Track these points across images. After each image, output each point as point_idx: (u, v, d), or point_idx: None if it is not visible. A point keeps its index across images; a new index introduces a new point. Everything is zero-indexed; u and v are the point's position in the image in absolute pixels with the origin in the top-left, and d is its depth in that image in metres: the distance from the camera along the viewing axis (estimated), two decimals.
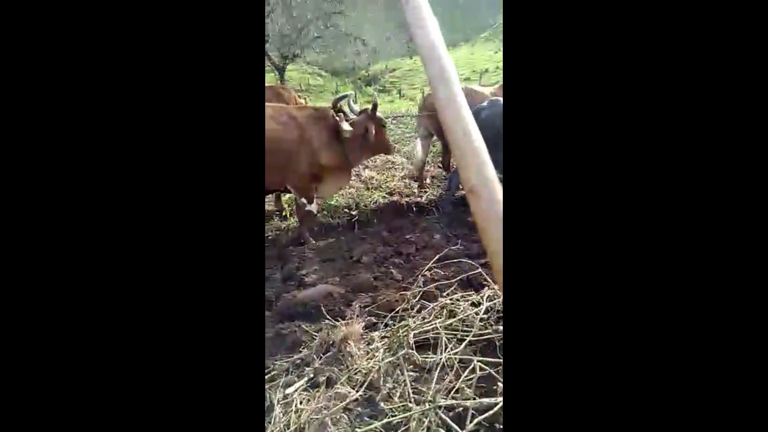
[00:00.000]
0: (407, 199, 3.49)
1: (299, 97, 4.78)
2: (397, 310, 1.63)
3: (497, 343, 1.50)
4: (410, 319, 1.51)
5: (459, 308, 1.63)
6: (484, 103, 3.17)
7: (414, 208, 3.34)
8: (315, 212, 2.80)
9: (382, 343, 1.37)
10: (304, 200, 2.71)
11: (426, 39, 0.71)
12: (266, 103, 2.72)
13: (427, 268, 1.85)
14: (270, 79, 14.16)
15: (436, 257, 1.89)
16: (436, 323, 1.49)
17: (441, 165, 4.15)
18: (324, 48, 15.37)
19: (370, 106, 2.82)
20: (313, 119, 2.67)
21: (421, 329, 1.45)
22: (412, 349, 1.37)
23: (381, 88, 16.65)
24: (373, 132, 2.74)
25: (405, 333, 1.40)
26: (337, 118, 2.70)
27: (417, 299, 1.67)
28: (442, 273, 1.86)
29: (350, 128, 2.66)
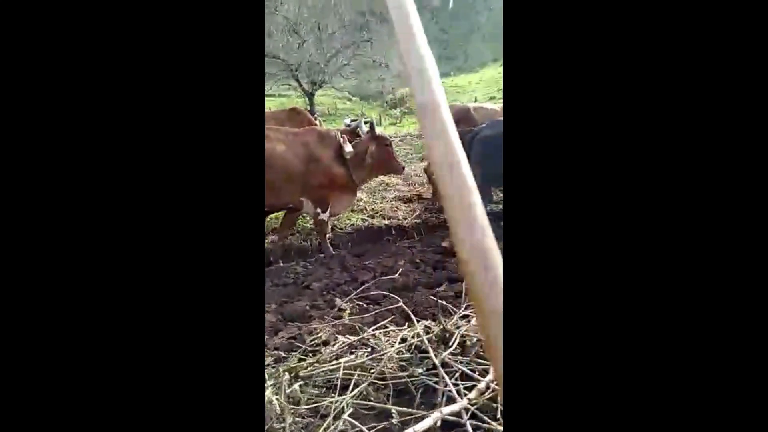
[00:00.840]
0: (387, 221, 3.40)
1: (315, 119, 4.97)
2: (309, 343, 1.53)
3: (413, 389, 1.35)
4: (312, 356, 1.41)
5: (379, 345, 1.50)
6: (486, 123, 3.16)
7: (393, 232, 3.24)
8: (326, 221, 2.88)
9: (270, 382, 1.28)
10: (319, 210, 2.81)
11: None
12: (274, 127, 2.91)
13: (348, 299, 1.74)
14: (300, 104, 14.93)
15: (361, 288, 1.78)
16: (341, 362, 1.38)
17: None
18: (352, 75, 16.00)
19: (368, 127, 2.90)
20: (317, 139, 2.79)
21: (319, 367, 1.34)
22: (303, 390, 1.26)
23: (407, 109, 16.88)
24: (374, 151, 2.80)
25: (291, 371, 1.30)
26: (341, 139, 2.79)
27: (334, 332, 1.56)
28: (365, 305, 1.74)
29: (351, 149, 2.74)
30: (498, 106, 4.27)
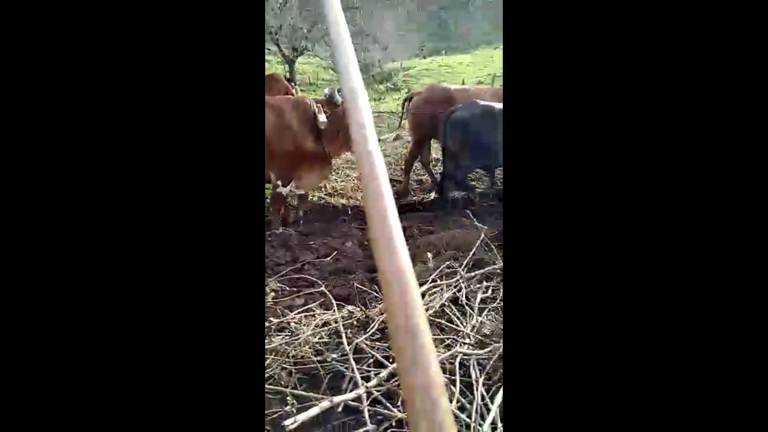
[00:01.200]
0: (345, 201, 3.34)
1: (292, 87, 4.73)
2: None
3: (322, 375, 1.35)
4: None
5: (298, 329, 1.48)
6: (459, 105, 3.08)
7: (349, 212, 3.19)
8: (285, 196, 2.78)
9: None
10: (279, 183, 2.69)
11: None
12: None
13: (275, 278, 1.71)
14: (280, 71, 14.20)
15: (290, 268, 1.75)
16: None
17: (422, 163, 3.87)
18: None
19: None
20: (290, 107, 2.64)
21: None
22: None
23: (392, 86, 16.40)
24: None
25: None
26: (316, 109, 2.66)
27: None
28: (287, 288, 1.71)
29: (325, 119, 2.62)
30: (482, 87, 4.15)
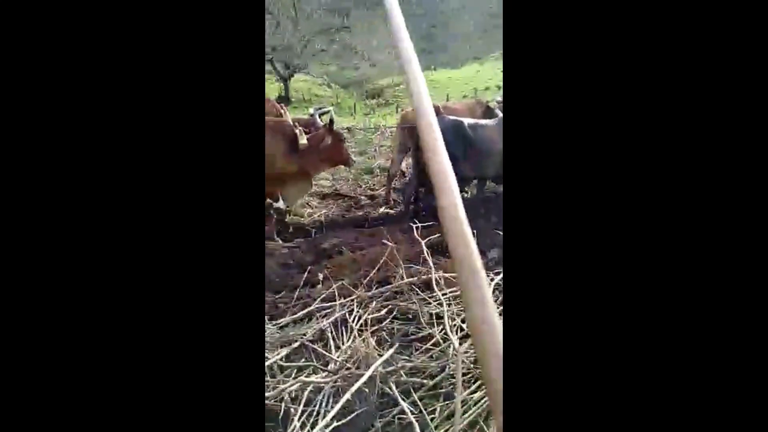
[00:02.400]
0: (289, 219, 3.31)
1: (281, 108, 4.83)
2: None
3: None
4: None
5: None
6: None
7: (290, 230, 3.16)
8: (283, 209, 2.93)
9: None
10: (270, 201, 2.82)
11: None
12: None
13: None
14: (276, 89, 14.46)
15: None
16: None
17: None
18: (330, 61, 15.57)
19: (327, 120, 2.91)
20: (269, 135, 2.73)
21: None
22: None
23: (384, 101, 16.60)
24: (328, 145, 2.84)
25: None
26: (297, 131, 2.78)
27: None
28: None
29: (305, 141, 2.76)
30: (462, 102, 4.29)
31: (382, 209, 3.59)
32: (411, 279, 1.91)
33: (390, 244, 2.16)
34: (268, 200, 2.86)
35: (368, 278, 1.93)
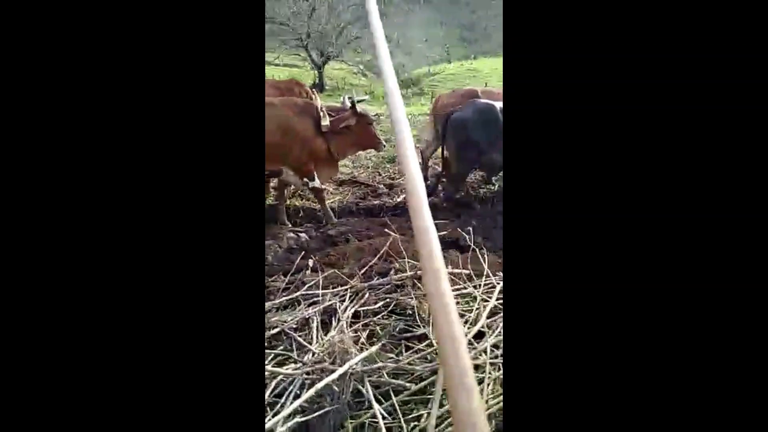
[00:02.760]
0: (301, 203, 3.27)
1: (312, 92, 4.86)
2: None
3: None
4: None
5: None
6: (459, 106, 3.03)
7: (300, 213, 3.11)
8: (320, 188, 2.95)
9: None
10: (306, 180, 2.86)
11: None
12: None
13: None
14: (310, 77, 14.56)
15: None
16: None
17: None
18: (365, 49, 15.43)
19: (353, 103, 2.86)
20: (295, 111, 2.79)
21: None
22: None
23: (418, 90, 16.23)
24: (353, 126, 2.82)
25: None
26: (321, 113, 2.79)
27: None
28: None
29: (327, 123, 2.76)
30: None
31: (402, 197, 3.44)
32: (411, 273, 1.77)
33: (393, 234, 2.03)
34: (305, 179, 2.86)
35: (365, 269, 1.82)
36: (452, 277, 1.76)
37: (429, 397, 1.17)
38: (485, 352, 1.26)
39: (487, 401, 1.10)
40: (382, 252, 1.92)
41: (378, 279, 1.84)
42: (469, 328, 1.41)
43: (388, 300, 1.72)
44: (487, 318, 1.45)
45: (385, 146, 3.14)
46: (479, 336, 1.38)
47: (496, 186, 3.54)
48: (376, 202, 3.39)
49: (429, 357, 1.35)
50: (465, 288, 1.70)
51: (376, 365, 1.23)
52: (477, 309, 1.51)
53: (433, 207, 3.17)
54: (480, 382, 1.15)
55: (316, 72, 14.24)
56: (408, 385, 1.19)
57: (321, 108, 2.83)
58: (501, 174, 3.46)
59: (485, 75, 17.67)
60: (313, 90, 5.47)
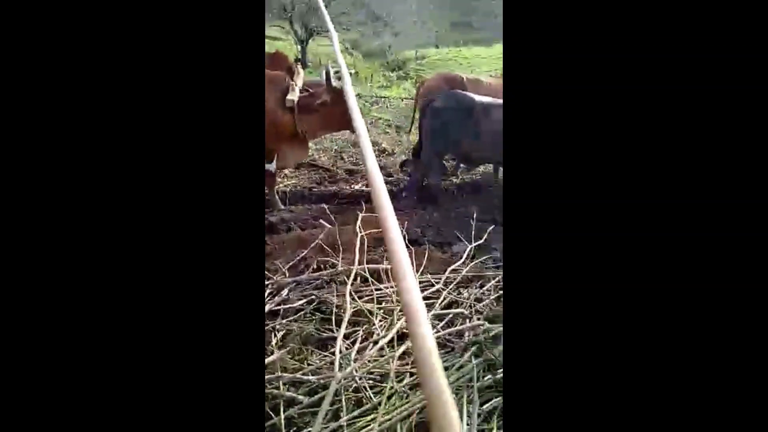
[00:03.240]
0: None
1: (296, 66, 4.56)
2: None
3: None
4: None
5: None
6: (438, 94, 2.91)
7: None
8: (272, 171, 2.66)
9: None
10: (266, 164, 2.58)
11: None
12: None
13: None
14: (292, 52, 13.92)
15: None
16: None
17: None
18: (350, 26, 14.84)
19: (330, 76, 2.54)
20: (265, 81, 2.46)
21: None
22: None
23: (403, 74, 15.85)
24: (327, 102, 2.49)
25: None
26: (292, 87, 2.51)
27: None
28: None
29: (293, 97, 2.46)
30: (493, 80, 3.82)
31: (360, 185, 3.30)
32: (342, 269, 1.65)
33: (326, 225, 1.90)
34: (273, 163, 2.64)
35: (290, 263, 1.69)
36: (373, 278, 1.64)
37: (331, 409, 1.07)
38: (393, 359, 1.17)
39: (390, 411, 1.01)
40: (314, 244, 1.80)
41: (307, 274, 1.72)
42: (379, 335, 1.31)
43: (313, 297, 1.60)
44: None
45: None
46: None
47: (459, 178, 3.46)
48: (332, 188, 3.24)
49: (339, 363, 1.25)
50: (384, 289, 1.59)
51: (273, 375, 1.12)
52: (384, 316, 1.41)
53: (394, 196, 3.05)
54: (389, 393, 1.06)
55: (298, 47, 13.62)
56: (301, 398, 1.08)
57: (292, 82, 2.56)
58: (463, 166, 3.39)
59: (472, 64, 17.40)
60: (297, 64, 5.20)
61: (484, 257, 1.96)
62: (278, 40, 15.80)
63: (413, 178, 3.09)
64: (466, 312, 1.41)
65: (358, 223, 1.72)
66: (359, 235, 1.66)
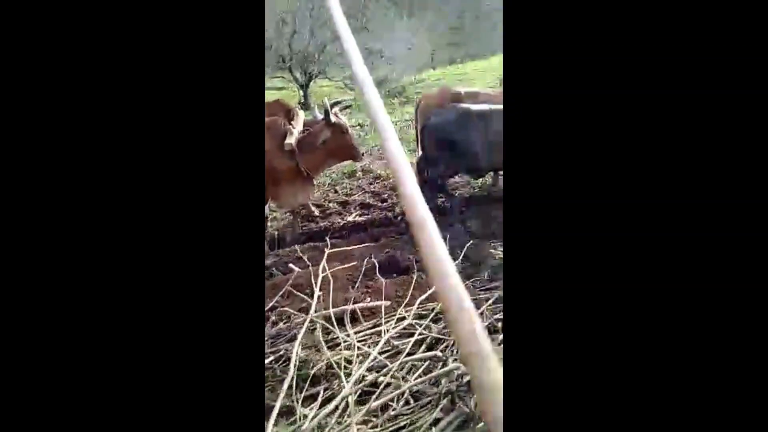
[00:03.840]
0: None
1: (295, 110, 4.77)
2: None
3: None
4: None
5: None
6: (437, 110, 2.92)
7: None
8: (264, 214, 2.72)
9: None
10: None
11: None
12: None
13: None
14: (296, 96, 14.62)
15: None
16: None
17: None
18: (346, 65, 15.48)
19: (326, 111, 2.67)
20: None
21: None
22: None
23: (405, 98, 16.16)
24: (329, 138, 2.57)
25: None
26: (289, 127, 2.62)
27: None
28: None
29: (291, 141, 2.57)
30: (491, 90, 3.79)
31: (352, 216, 3.20)
32: (311, 315, 1.51)
33: (296, 269, 1.79)
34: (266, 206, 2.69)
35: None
36: (357, 313, 1.49)
37: None
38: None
39: None
40: (283, 291, 1.68)
41: (278, 326, 1.59)
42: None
43: (282, 353, 1.47)
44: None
45: (363, 155, 2.93)
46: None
47: (456, 196, 3.29)
48: (323, 224, 3.15)
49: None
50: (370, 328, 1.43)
51: None
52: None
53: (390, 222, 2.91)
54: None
55: (300, 91, 14.30)
56: None
57: (290, 126, 2.62)
58: (460, 180, 3.22)
59: (471, 78, 17.45)
60: (298, 107, 5.40)
61: (473, 279, 1.76)
62: (282, 89, 16.72)
63: (448, 201, 2.95)
64: (440, 354, 1.21)
65: (322, 263, 1.59)
66: (320, 276, 1.52)
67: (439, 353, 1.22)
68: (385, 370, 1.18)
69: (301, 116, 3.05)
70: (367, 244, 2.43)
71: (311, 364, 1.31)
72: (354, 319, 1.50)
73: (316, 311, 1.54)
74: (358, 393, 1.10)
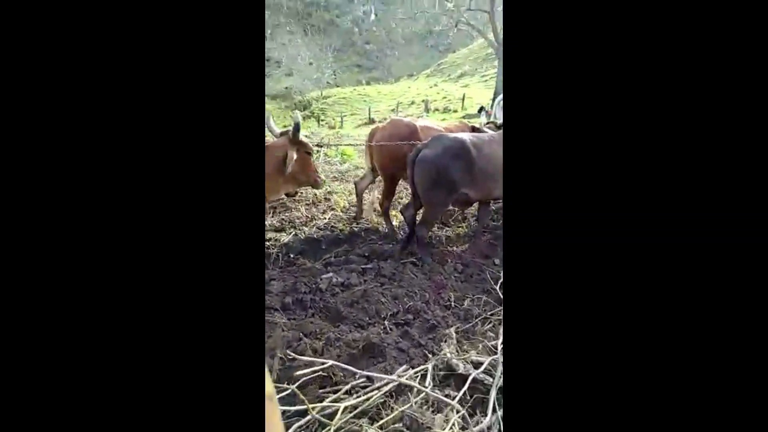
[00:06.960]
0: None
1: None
2: None
3: None
4: None
5: None
6: (426, 141, 2.44)
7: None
8: None
9: None
10: None
11: None
12: None
13: None
14: None
15: None
16: None
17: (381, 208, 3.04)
18: None
19: (291, 128, 2.13)
20: None
21: None
22: None
23: (310, 113, 16.27)
24: (294, 159, 2.03)
25: None
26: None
27: None
28: None
29: None
30: (450, 123, 3.70)
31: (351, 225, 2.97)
32: None
33: None
34: None
35: None
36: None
37: None
38: None
39: None
40: None
41: None
42: None
43: None
44: None
45: (324, 182, 2.44)
46: None
47: (444, 230, 3.11)
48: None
49: None
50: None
51: None
52: None
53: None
54: None
55: None
56: None
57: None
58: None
59: (375, 99, 18.58)
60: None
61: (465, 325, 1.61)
62: None
63: (420, 235, 2.53)
64: None
65: None
66: None
67: None
68: None
69: None
70: None
71: None
72: None
73: None
74: None
